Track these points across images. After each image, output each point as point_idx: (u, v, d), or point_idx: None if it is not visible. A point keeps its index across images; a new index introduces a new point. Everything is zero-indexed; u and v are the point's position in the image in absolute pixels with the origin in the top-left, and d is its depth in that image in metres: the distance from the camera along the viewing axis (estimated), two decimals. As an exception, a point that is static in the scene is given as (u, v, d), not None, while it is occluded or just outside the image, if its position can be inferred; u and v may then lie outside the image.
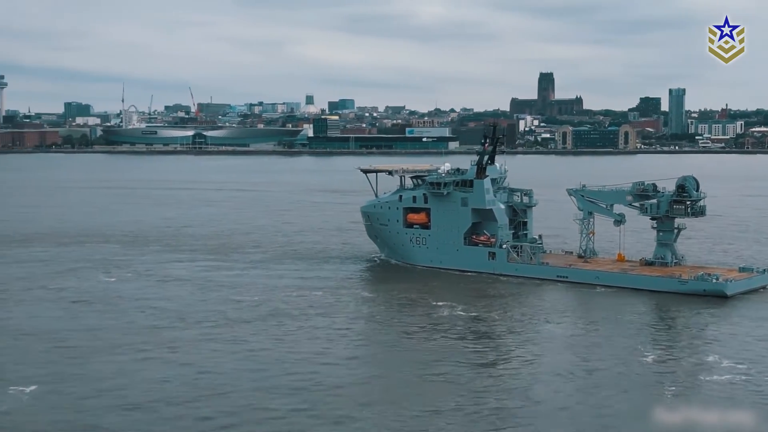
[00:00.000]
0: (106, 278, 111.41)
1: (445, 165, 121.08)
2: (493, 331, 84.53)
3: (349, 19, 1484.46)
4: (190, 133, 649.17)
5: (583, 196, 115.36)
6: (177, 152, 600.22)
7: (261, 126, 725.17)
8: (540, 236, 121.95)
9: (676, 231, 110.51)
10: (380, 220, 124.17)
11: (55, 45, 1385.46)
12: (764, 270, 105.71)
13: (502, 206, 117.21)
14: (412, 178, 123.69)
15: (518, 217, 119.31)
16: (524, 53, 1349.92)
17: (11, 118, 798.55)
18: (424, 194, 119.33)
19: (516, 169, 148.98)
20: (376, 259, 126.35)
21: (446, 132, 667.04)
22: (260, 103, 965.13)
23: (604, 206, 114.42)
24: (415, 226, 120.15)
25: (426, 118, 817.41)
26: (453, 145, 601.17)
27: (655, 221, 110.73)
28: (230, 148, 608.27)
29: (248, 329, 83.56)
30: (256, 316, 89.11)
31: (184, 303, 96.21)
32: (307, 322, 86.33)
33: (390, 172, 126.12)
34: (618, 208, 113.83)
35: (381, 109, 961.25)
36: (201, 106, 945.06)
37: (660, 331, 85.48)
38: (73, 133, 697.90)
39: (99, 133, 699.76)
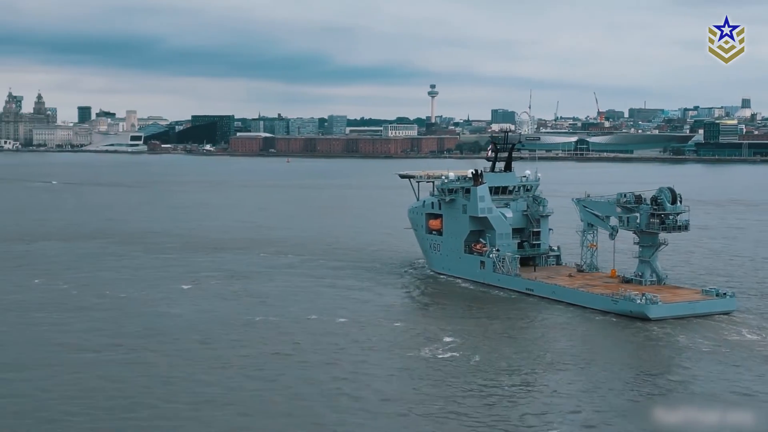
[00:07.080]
0: (185, 287, 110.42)
1: (467, 172, 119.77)
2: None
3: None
4: (573, 139, 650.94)
5: (585, 206, 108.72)
6: (558, 158, 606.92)
7: (654, 132, 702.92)
8: (558, 247, 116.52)
9: (655, 247, 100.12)
10: (413, 225, 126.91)
11: (509, 55, 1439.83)
12: (726, 294, 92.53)
13: (509, 214, 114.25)
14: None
15: (530, 227, 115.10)
16: None
17: (432, 125, 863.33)
18: (438, 201, 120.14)
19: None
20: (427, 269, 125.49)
21: None
22: (695, 108, 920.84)
23: (601, 217, 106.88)
24: (433, 232, 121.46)
25: None
26: None
27: (637, 236, 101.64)
28: (611, 155, 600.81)
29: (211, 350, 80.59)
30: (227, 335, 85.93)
31: (190, 317, 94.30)
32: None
33: (416, 178, 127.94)
34: (614, 221, 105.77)
35: None
36: (632, 111, 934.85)
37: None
38: (480, 140, 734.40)
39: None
